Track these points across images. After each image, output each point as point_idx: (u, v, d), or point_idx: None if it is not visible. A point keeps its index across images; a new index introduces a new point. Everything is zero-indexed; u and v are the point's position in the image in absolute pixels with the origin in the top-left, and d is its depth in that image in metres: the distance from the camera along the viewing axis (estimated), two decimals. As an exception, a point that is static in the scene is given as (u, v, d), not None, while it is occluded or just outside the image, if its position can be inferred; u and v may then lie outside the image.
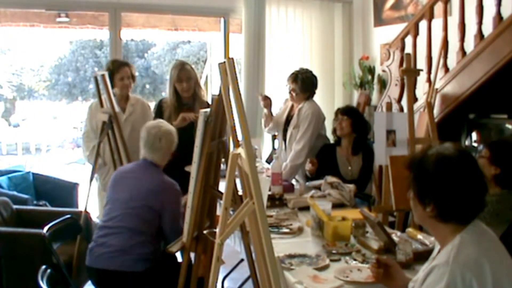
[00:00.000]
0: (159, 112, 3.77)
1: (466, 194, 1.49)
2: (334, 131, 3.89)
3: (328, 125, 4.25)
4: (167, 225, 2.67)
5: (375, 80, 5.46)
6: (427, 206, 1.53)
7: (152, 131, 2.79)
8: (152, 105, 4.06)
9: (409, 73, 3.42)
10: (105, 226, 2.67)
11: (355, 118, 3.80)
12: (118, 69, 3.86)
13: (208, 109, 2.49)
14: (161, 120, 3.04)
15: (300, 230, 2.65)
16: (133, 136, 3.88)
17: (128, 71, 3.91)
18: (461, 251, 1.44)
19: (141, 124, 3.92)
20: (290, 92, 4.02)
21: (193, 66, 3.82)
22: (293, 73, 4.03)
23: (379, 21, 5.48)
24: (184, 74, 3.65)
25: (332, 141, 4.04)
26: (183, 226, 2.49)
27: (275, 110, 4.31)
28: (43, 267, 2.21)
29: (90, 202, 3.61)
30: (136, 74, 4.13)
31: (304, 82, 3.96)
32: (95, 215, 3.96)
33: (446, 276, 1.41)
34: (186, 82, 3.64)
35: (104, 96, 3.49)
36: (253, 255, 2.26)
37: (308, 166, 3.74)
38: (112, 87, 3.87)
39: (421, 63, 4.29)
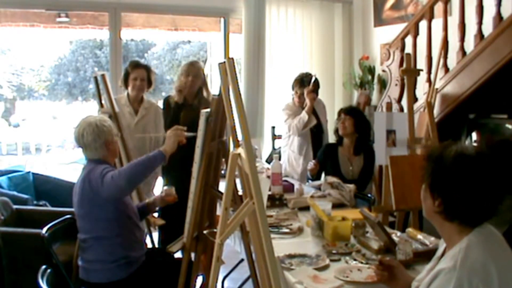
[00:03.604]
0: (168, 109, 3.77)
1: (475, 196, 1.47)
2: (336, 130, 3.91)
3: (329, 125, 4.27)
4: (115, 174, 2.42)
5: (375, 80, 5.46)
6: (435, 200, 1.52)
7: (75, 131, 2.60)
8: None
9: (409, 73, 3.42)
10: (80, 241, 2.61)
11: (357, 118, 3.83)
12: (133, 69, 3.88)
13: (208, 109, 2.50)
14: (88, 115, 2.71)
15: (300, 230, 2.64)
16: (143, 139, 3.90)
17: (144, 74, 3.89)
18: (468, 255, 1.43)
19: (152, 129, 3.96)
20: (299, 97, 4.16)
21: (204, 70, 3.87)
22: (298, 79, 4.19)
23: (379, 21, 5.48)
24: (192, 70, 3.71)
25: (333, 141, 4.06)
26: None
27: (276, 111, 4.39)
28: (43, 267, 2.21)
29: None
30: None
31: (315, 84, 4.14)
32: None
33: (453, 281, 1.40)
34: (192, 77, 3.67)
35: (104, 96, 3.49)
36: (253, 255, 2.27)
37: (310, 166, 3.77)
38: (126, 86, 3.89)
39: (421, 63, 4.29)
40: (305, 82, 4.12)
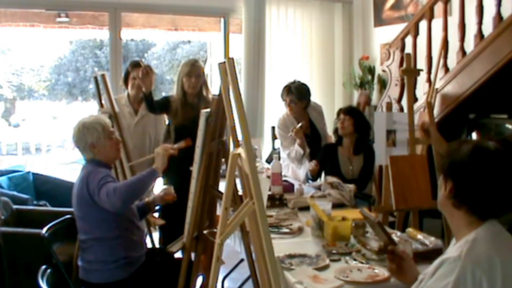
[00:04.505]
0: (166, 106, 3.77)
1: (487, 185, 1.48)
2: (335, 130, 3.91)
3: (329, 125, 4.26)
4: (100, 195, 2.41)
5: (375, 80, 5.46)
6: (447, 184, 1.54)
7: (72, 132, 2.58)
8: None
9: (409, 73, 3.42)
10: (80, 241, 2.61)
11: (357, 118, 3.83)
12: (133, 68, 3.91)
13: (208, 109, 2.50)
14: (88, 115, 2.70)
15: (300, 230, 2.64)
16: (143, 139, 3.91)
17: None
18: (474, 247, 1.45)
19: (152, 128, 3.97)
20: (288, 105, 4.11)
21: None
22: (285, 87, 4.14)
23: (379, 21, 5.48)
24: (195, 70, 3.72)
25: (333, 141, 4.06)
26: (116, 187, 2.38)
27: (276, 111, 4.36)
28: (43, 267, 2.21)
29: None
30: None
31: (298, 90, 4.07)
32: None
33: (457, 270, 1.42)
34: (195, 78, 3.70)
35: (104, 96, 3.50)
36: (253, 255, 2.27)
37: (310, 166, 3.77)
38: (127, 86, 3.92)
39: (421, 63, 4.28)
40: (292, 89, 4.07)
